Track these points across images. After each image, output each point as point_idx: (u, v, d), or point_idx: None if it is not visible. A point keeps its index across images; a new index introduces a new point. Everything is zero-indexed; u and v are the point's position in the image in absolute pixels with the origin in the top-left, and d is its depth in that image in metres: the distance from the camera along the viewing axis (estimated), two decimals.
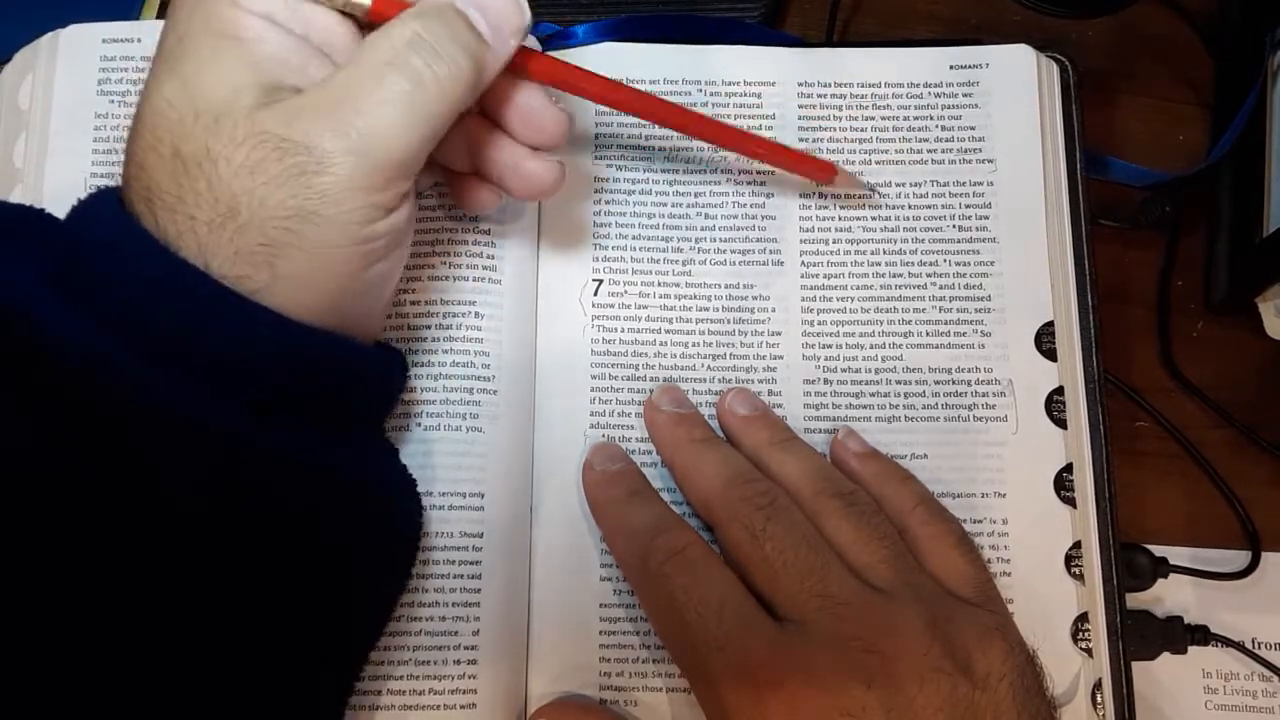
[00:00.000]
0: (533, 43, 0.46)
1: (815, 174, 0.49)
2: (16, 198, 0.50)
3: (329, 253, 0.36)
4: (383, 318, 0.44)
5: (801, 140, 0.52)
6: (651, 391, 0.48)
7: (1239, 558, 0.52)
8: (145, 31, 0.52)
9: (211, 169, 0.35)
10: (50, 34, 0.52)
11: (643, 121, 0.51)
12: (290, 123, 0.35)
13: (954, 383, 0.49)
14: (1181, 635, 0.49)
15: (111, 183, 0.49)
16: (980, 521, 0.47)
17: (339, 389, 0.40)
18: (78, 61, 0.51)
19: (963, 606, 0.42)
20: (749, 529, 0.42)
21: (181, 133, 0.36)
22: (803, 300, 0.50)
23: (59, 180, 0.50)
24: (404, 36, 0.37)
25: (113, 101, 0.51)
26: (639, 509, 0.45)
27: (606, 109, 0.51)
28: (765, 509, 0.43)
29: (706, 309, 0.49)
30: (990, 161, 0.51)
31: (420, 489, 0.45)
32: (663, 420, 0.47)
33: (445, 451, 0.46)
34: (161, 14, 0.58)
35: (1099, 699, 0.45)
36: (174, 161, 0.35)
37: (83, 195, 0.39)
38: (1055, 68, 0.52)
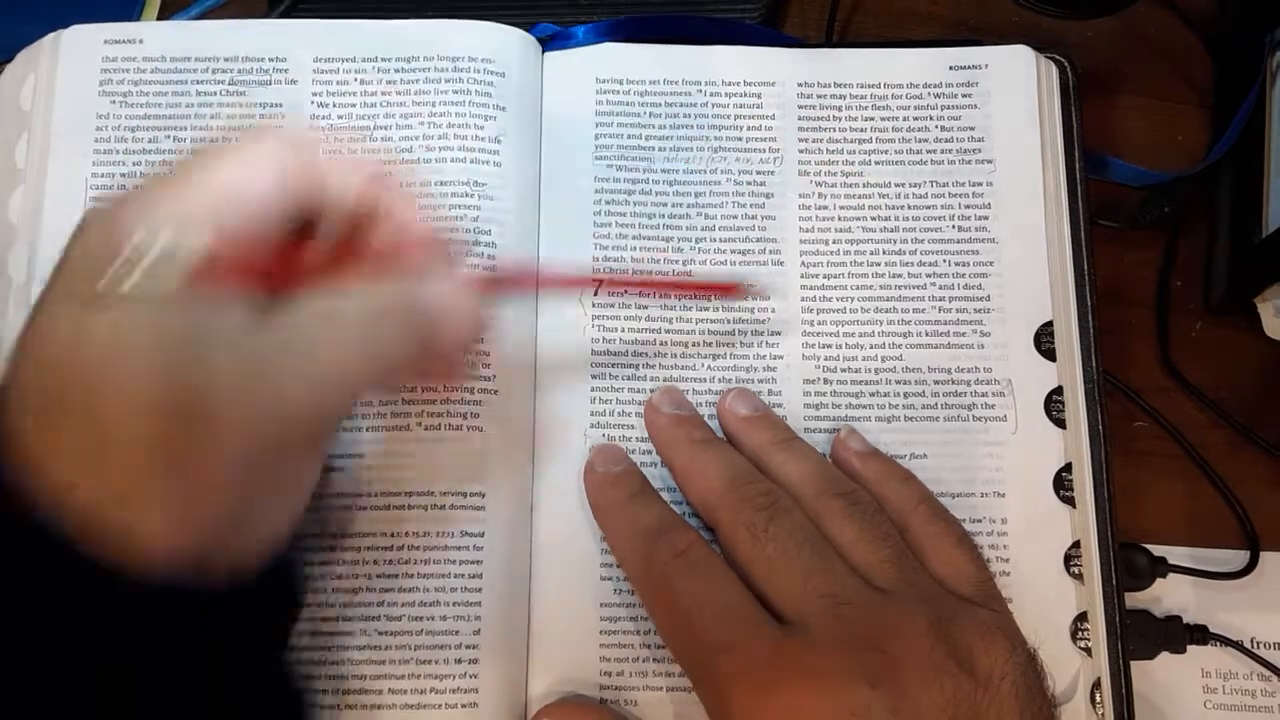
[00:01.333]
0: None
1: (723, 293, 0.50)
2: (18, 198, 0.50)
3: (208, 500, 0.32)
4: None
5: (802, 140, 0.52)
6: (652, 392, 0.48)
7: (1238, 557, 0.52)
8: (147, 33, 0.52)
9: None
10: (52, 34, 0.52)
11: (643, 122, 0.52)
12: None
13: (953, 382, 0.49)
14: (1180, 635, 0.49)
15: (111, 183, 0.49)
16: (980, 521, 0.47)
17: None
18: (79, 62, 0.51)
19: (965, 605, 0.42)
20: (751, 529, 0.42)
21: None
22: (802, 300, 0.50)
23: (60, 181, 0.50)
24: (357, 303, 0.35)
25: (114, 102, 0.51)
26: (640, 511, 0.45)
27: (606, 111, 0.52)
28: (767, 509, 0.43)
29: (706, 309, 0.50)
30: (990, 162, 0.51)
31: (420, 488, 0.46)
32: (662, 422, 0.47)
33: (446, 451, 0.46)
34: (163, 15, 0.58)
35: (1098, 698, 0.45)
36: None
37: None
38: (1055, 68, 0.52)
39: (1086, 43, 0.59)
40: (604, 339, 0.49)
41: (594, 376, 0.49)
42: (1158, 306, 0.56)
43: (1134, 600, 0.50)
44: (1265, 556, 0.52)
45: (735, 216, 0.51)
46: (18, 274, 0.49)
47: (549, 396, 0.48)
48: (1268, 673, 0.50)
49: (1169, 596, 0.51)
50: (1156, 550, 0.51)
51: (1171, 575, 0.51)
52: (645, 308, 0.49)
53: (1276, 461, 0.53)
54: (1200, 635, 0.50)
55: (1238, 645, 0.50)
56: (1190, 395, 0.54)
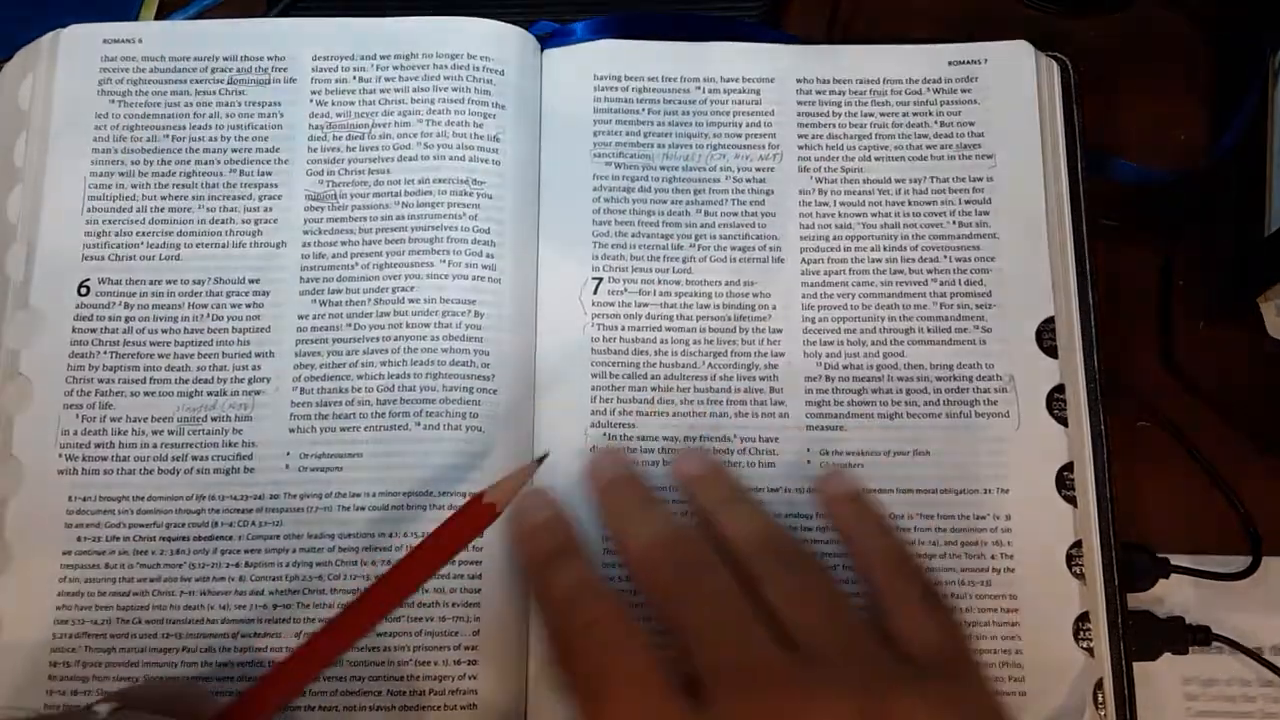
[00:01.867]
0: None
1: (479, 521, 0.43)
2: (16, 197, 0.50)
3: None
4: None
5: (801, 136, 0.52)
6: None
7: (1241, 558, 0.52)
8: (146, 32, 0.53)
9: None
10: (51, 33, 0.52)
11: (641, 119, 0.52)
12: None
13: (955, 379, 0.49)
14: (1182, 636, 0.49)
15: (110, 182, 0.50)
16: (984, 518, 0.47)
17: None
18: (78, 61, 0.52)
19: (911, 673, 0.39)
20: (668, 596, 0.41)
21: None
22: (803, 297, 0.50)
23: (59, 180, 0.50)
24: None
25: (113, 102, 0.51)
26: (559, 574, 0.43)
27: (604, 108, 0.52)
28: (688, 577, 0.41)
29: (707, 306, 0.49)
30: (990, 157, 0.51)
31: (419, 489, 0.46)
32: (601, 486, 0.46)
33: (445, 451, 0.46)
34: (161, 14, 0.58)
35: (1100, 698, 0.45)
36: None
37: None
38: (1056, 67, 0.52)
39: (1087, 42, 0.59)
40: (604, 338, 0.49)
41: (594, 375, 0.49)
42: (1160, 306, 0.55)
43: (1136, 601, 0.50)
44: (1268, 559, 0.51)
45: (735, 214, 0.51)
46: (16, 273, 0.49)
47: (550, 395, 0.48)
48: (1270, 675, 0.50)
49: (1171, 597, 0.51)
50: (1158, 551, 0.50)
51: (1174, 576, 0.50)
52: (645, 305, 0.49)
53: (1278, 462, 0.53)
54: (1202, 637, 0.49)
55: (1240, 647, 0.50)
56: (1192, 395, 0.54)
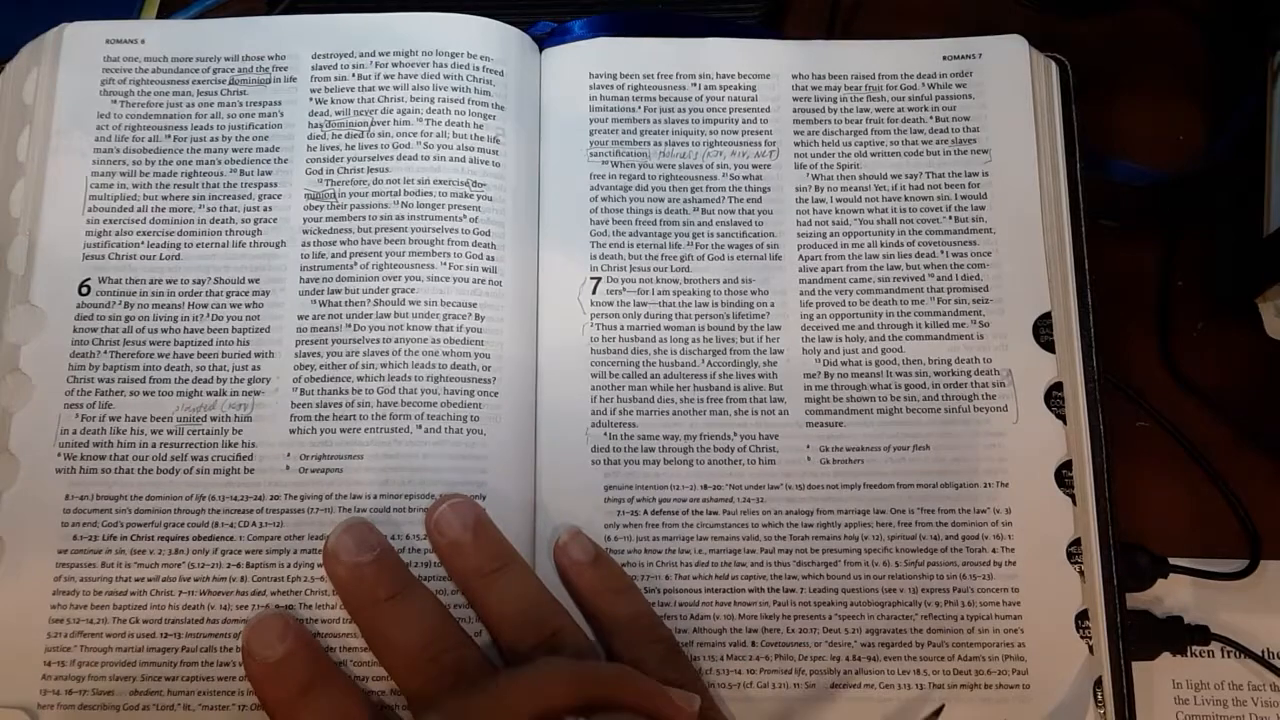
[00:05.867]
0: None
1: None
2: (19, 191, 0.50)
3: None
4: None
5: (797, 133, 0.52)
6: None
7: (1238, 559, 0.52)
8: (149, 32, 0.53)
9: None
10: (55, 29, 0.52)
11: (638, 117, 0.52)
12: None
13: (953, 373, 0.49)
14: (1181, 635, 0.49)
15: (111, 182, 0.50)
16: (984, 512, 0.47)
17: None
18: (81, 60, 0.52)
19: None
20: (433, 709, 0.40)
21: None
22: (801, 294, 0.50)
23: (60, 176, 0.50)
24: None
25: (115, 102, 0.51)
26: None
27: (600, 107, 0.52)
28: (448, 689, 0.41)
29: (705, 304, 0.50)
30: (985, 152, 0.51)
31: (420, 491, 0.46)
32: (342, 575, 0.44)
33: (446, 454, 0.46)
34: (162, 13, 0.58)
35: (1100, 696, 0.45)
36: None
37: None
38: (1054, 67, 0.53)
39: (1087, 42, 0.59)
40: (604, 338, 0.49)
41: (594, 375, 0.49)
42: (1159, 306, 0.55)
43: (1135, 600, 0.49)
44: (1267, 559, 0.51)
45: (732, 211, 0.51)
46: (17, 267, 0.49)
47: (550, 396, 0.48)
48: (1270, 675, 0.50)
49: (1170, 597, 0.51)
50: (1157, 550, 0.50)
51: (1172, 576, 0.50)
52: (644, 305, 0.49)
53: (1278, 462, 0.53)
54: (1201, 636, 0.49)
55: (1239, 646, 0.50)
56: (1191, 395, 0.54)
